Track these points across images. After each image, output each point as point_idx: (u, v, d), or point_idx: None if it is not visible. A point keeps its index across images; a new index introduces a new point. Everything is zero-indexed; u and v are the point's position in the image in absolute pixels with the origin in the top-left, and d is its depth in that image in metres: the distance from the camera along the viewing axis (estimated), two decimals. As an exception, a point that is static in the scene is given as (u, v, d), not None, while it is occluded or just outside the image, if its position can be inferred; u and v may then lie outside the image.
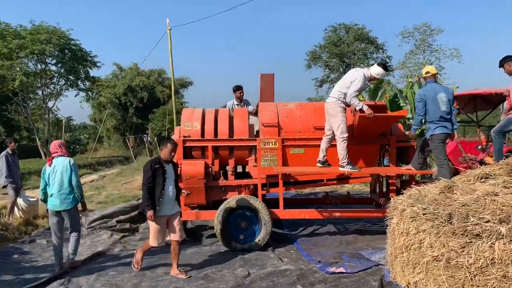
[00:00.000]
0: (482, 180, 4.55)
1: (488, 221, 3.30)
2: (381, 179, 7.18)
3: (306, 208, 7.09)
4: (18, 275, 5.45)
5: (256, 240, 6.31)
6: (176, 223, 5.34)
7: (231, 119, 6.83)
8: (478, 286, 3.19)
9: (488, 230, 3.20)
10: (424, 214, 3.97)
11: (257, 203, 6.33)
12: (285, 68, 72.08)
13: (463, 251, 3.33)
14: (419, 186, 5.12)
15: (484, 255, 3.13)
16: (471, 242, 3.29)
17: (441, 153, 5.65)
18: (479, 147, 7.54)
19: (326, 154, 6.24)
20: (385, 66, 6.14)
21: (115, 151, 35.87)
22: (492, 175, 4.60)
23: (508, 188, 3.85)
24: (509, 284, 3.00)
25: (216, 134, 6.69)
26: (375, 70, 6.11)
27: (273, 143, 6.53)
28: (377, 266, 5.40)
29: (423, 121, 5.87)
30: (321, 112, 6.63)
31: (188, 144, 6.62)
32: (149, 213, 5.08)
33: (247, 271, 5.42)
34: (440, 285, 3.68)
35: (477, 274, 3.21)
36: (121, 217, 7.66)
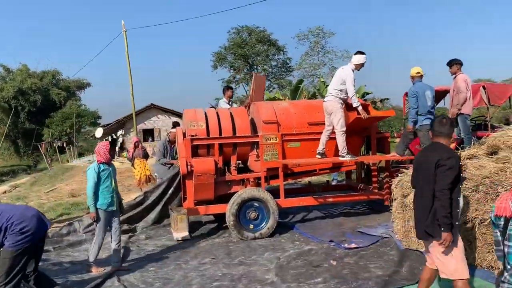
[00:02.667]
0: (470, 159, 5.54)
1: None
2: (364, 167, 8.01)
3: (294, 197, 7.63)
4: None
5: (266, 228, 6.71)
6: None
7: (232, 117, 7.11)
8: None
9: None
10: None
11: (265, 194, 6.74)
12: (192, 67, 72.10)
13: (497, 212, 4.19)
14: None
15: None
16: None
17: (428, 141, 6.61)
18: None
19: (325, 147, 6.84)
20: (359, 51, 6.78)
21: (6, 159, 32.54)
22: (476, 156, 5.61)
23: (508, 163, 4.83)
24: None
25: (220, 132, 6.93)
26: (357, 59, 6.70)
27: (274, 139, 6.98)
28: (382, 239, 6.14)
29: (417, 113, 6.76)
30: (312, 109, 7.26)
31: (195, 142, 6.77)
32: None
33: (274, 254, 5.81)
34: (471, 242, 4.50)
35: None
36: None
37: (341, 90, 6.70)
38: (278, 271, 5.18)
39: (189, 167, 6.62)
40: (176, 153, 8.30)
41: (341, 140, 6.69)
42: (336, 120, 6.69)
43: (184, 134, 7.14)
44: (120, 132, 38.61)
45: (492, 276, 4.38)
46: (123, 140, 31.56)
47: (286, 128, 7.13)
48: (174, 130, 8.39)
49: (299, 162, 6.97)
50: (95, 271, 5.34)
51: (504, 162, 4.88)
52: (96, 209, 5.24)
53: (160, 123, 33.49)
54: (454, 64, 7.43)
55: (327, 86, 14.92)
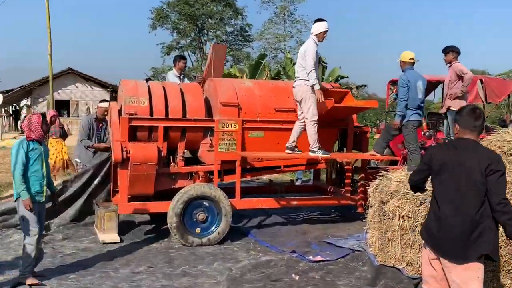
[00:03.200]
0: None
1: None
2: (337, 166, 8.33)
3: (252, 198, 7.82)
4: None
5: (216, 232, 6.84)
6: None
7: (183, 95, 7.14)
8: (504, 255, 4.48)
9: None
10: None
11: (218, 192, 6.87)
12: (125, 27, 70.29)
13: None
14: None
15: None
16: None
17: (414, 139, 7.01)
18: (426, 134, 9.28)
19: (296, 140, 7.04)
20: (318, 19, 7.02)
21: None
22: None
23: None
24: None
25: (167, 113, 6.94)
26: (316, 28, 6.93)
27: (233, 125, 7.10)
28: (353, 252, 6.46)
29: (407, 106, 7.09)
30: (280, 92, 7.46)
31: (134, 123, 6.76)
32: None
33: (225, 265, 5.96)
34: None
35: (502, 246, 4.50)
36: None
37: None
38: (229, 284, 5.33)
39: (124, 153, 6.59)
40: (104, 134, 8.20)
41: (311, 132, 6.91)
42: (306, 108, 6.90)
43: (119, 112, 7.08)
44: (25, 102, 37.04)
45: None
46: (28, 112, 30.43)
47: (248, 114, 7.26)
48: (103, 104, 8.27)
49: (263, 156, 7.14)
50: (31, 283, 5.16)
51: (499, 170, 5.29)
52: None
53: (79, 94, 32.63)
54: (450, 51, 7.86)
55: (294, 64, 15.16)
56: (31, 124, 5.21)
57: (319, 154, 6.97)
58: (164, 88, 7.18)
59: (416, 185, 3.99)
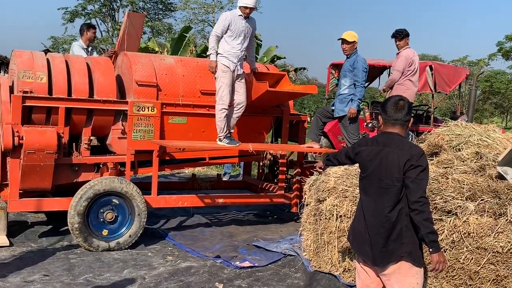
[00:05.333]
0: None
1: (454, 198, 4.90)
2: (271, 160, 8.50)
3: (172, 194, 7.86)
4: None
5: (127, 235, 6.82)
6: None
7: (90, 71, 7.03)
8: (448, 260, 4.76)
9: (460, 206, 4.80)
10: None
11: (130, 187, 6.85)
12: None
13: (432, 228, 4.87)
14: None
15: (459, 230, 4.72)
16: (442, 219, 4.85)
17: (358, 130, 7.29)
18: (369, 125, 9.63)
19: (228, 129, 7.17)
20: None
21: None
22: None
23: (451, 168, 5.59)
24: (482, 254, 4.66)
25: (70, 92, 6.82)
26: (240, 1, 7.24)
27: (150, 109, 7.09)
28: (285, 257, 6.68)
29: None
30: (207, 72, 7.51)
31: (29, 103, 6.59)
32: None
33: (137, 273, 5.98)
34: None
35: (447, 249, 4.79)
36: None
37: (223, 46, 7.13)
38: (142, 295, 5.36)
39: (16, 139, 6.41)
40: None
41: (217, 118, 7.14)
42: (216, 90, 7.14)
43: (11, 89, 6.84)
44: None
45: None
46: None
47: (169, 96, 7.26)
48: None
49: (185, 145, 7.17)
50: None
51: (446, 167, 5.65)
52: None
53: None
54: (406, 36, 8.22)
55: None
56: None
57: (224, 143, 7.15)
58: (67, 62, 7.02)
59: (330, 163, 4.52)
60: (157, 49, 22.67)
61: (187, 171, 10.93)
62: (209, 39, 7.13)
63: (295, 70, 24.73)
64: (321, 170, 4.76)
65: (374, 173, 3.78)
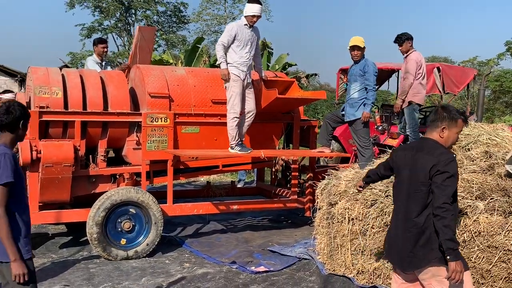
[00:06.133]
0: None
1: (464, 198, 4.86)
2: (282, 165, 8.49)
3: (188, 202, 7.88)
4: None
5: (144, 244, 6.84)
6: None
7: (103, 84, 7.08)
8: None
9: (470, 206, 4.75)
10: (387, 196, 5.35)
11: (146, 197, 6.88)
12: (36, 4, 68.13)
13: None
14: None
15: (470, 229, 4.68)
16: (453, 218, 4.81)
17: (367, 133, 7.25)
18: (379, 128, 9.59)
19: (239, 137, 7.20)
20: (252, 0, 7.26)
21: None
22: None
23: (460, 168, 5.54)
24: (493, 253, 4.61)
25: (85, 105, 6.87)
26: (246, 9, 7.25)
27: (163, 120, 7.11)
28: (300, 261, 6.65)
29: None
30: (218, 82, 7.53)
31: (46, 117, 6.65)
32: None
33: (154, 280, 5.99)
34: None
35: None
36: None
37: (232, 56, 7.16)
38: (160, 302, 5.38)
39: (34, 153, 6.46)
40: None
41: (229, 127, 7.15)
42: (227, 99, 7.14)
43: (28, 104, 6.92)
44: None
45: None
46: None
47: (181, 106, 7.28)
48: (7, 96, 8.05)
49: (199, 154, 7.18)
50: None
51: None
52: None
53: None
54: (407, 40, 8.16)
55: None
56: None
57: (236, 151, 7.16)
58: (81, 76, 7.09)
59: (370, 179, 4.53)
60: (171, 61, 22.78)
61: (202, 179, 10.94)
62: (216, 49, 7.13)
63: (307, 76, 24.64)
64: (360, 189, 4.73)
65: (405, 178, 3.79)
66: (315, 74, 26.02)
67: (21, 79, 29.52)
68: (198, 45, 23.10)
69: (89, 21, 40.37)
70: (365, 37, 7.39)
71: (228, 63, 7.14)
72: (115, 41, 39.90)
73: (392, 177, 4.21)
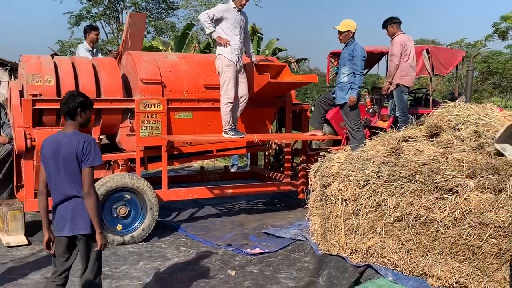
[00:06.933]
0: (406, 142, 6.32)
1: (454, 177, 4.92)
2: (275, 149, 8.54)
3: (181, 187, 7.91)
4: None
5: (140, 229, 6.88)
6: None
7: (96, 71, 7.07)
8: (452, 236, 4.82)
9: (461, 184, 4.82)
10: (379, 176, 5.41)
11: (141, 183, 6.90)
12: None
13: (434, 207, 4.90)
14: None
15: (461, 207, 4.75)
16: (443, 197, 4.88)
17: (358, 116, 7.30)
18: (370, 110, 9.64)
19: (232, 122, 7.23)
20: None
21: None
22: (413, 138, 6.41)
23: (450, 148, 5.62)
24: (484, 229, 4.68)
25: (78, 93, 6.84)
26: None
27: (156, 106, 7.12)
28: (294, 242, 6.72)
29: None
30: (210, 67, 7.55)
31: (39, 105, 6.64)
32: None
33: (151, 264, 6.04)
34: (403, 244, 5.20)
35: (450, 226, 4.83)
36: None
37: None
38: (157, 285, 5.42)
39: (29, 141, 6.47)
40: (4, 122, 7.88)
41: (223, 112, 7.19)
42: (220, 84, 7.18)
43: (21, 93, 6.90)
44: None
45: (425, 286, 5.11)
46: None
47: (174, 92, 7.29)
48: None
49: (193, 139, 7.21)
50: None
51: (446, 147, 5.67)
52: None
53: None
54: (390, 24, 8.26)
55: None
56: None
57: (230, 135, 7.21)
58: (73, 64, 7.06)
59: None
60: (161, 47, 22.69)
61: (195, 164, 10.96)
62: (202, 18, 7.10)
63: (297, 61, 24.65)
64: None
65: None
66: (305, 59, 26.07)
67: (11, 68, 29.28)
68: (188, 31, 23.00)
69: (77, 9, 39.95)
70: (357, 21, 7.40)
71: (219, 49, 7.14)
72: (103, 29, 39.47)
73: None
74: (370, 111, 9.57)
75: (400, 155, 5.79)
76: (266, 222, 7.76)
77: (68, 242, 4.17)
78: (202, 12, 7.18)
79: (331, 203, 6.00)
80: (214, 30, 7.15)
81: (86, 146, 3.96)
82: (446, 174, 5.00)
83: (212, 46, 22.66)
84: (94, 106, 6.76)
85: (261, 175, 8.76)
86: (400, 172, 5.29)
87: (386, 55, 10.44)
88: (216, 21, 7.16)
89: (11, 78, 26.79)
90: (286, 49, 24.31)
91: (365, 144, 6.86)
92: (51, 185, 4.10)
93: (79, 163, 3.97)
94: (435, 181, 4.98)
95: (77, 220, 4.07)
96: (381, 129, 8.23)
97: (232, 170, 10.10)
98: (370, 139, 7.17)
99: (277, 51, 22.99)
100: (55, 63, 6.97)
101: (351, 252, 5.84)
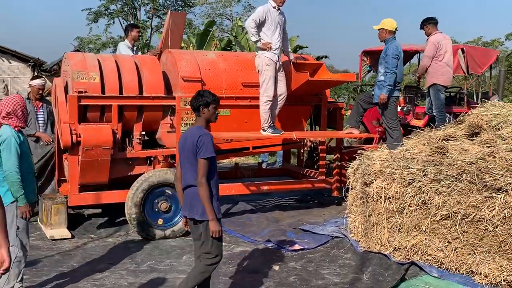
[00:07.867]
0: (448, 141, 6.36)
1: (503, 176, 4.97)
2: (311, 147, 8.61)
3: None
4: None
5: (180, 223, 6.96)
6: None
7: (138, 69, 7.17)
8: (501, 235, 4.87)
9: (510, 183, 4.87)
10: (425, 175, 5.46)
11: (182, 178, 6.95)
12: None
13: (483, 205, 4.95)
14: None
15: (510, 205, 4.80)
16: (492, 196, 4.92)
17: (395, 115, 7.33)
18: (404, 109, 9.65)
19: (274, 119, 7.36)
20: None
21: None
22: (454, 137, 6.45)
23: (494, 147, 5.65)
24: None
25: (121, 90, 6.96)
26: None
27: (197, 103, 7.17)
28: (333, 239, 6.78)
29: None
30: (247, 65, 7.63)
31: (84, 102, 6.75)
32: None
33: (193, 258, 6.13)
34: (450, 242, 5.26)
35: (499, 225, 4.88)
36: None
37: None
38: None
39: (74, 136, 6.58)
40: (49, 117, 7.97)
41: (262, 110, 7.25)
42: (260, 82, 7.22)
43: (65, 89, 7.02)
44: None
45: (471, 282, 5.17)
46: None
47: (212, 89, 7.12)
48: (36, 82, 7.99)
49: (232, 136, 7.28)
50: None
51: (490, 146, 5.70)
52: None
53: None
54: (425, 25, 8.31)
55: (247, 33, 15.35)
56: (17, 109, 4.75)
57: (268, 133, 7.28)
58: (116, 61, 7.17)
59: None
60: (182, 45, 22.74)
61: (225, 161, 11.03)
62: (249, 25, 7.10)
63: (317, 58, 24.70)
64: None
65: None
66: (325, 56, 26.08)
67: (33, 64, 29.52)
68: (210, 29, 23.08)
69: (95, 5, 40.14)
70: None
71: (259, 48, 7.19)
72: (121, 26, 39.69)
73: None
74: (404, 109, 9.59)
75: (445, 154, 5.83)
76: (301, 218, 7.83)
77: (193, 224, 4.62)
78: (248, 19, 7.18)
79: (373, 201, 6.06)
80: (260, 39, 7.14)
81: (200, 140, 4.37)
82: (494, 173, 5.05)
83: (233, 43, 22.76)
84: (137, 103, 7.00)
85: (294, 172, 8.82)
86: (447, 171, 5.34)
87: (419, 54, 10.50)
88: (259, 25, 7.18)
89: (33, 74, 27.00)
90: (307, 47, 24.31)
91: (403, 143, 6.89)
92: (182, 172, 4.60)
93: (195, 155, 4.38)
94: (484, 180, 5.02)
95: (195, 206, 4.49)
96: (416, 127, 8.27)
97: (263, 167, 10.17)
98: (407, 137, 7.22)
99: (298, 49, 23.01)
100: (98, 61, 7.08)
101: (393, 250, 5.90)
